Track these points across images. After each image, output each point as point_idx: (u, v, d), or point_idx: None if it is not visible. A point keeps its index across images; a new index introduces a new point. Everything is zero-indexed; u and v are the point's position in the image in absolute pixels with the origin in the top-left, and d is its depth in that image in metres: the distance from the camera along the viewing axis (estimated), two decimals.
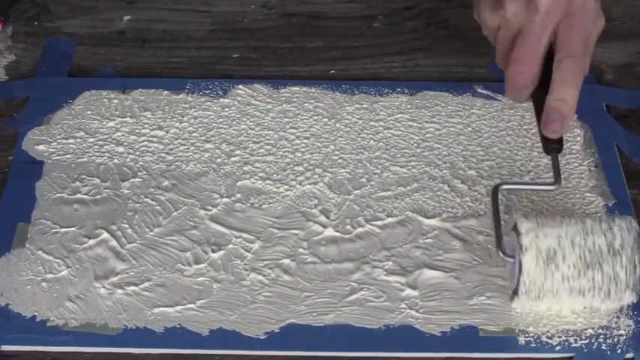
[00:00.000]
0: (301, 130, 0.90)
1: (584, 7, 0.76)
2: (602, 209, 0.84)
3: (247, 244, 0.80)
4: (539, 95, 0.78)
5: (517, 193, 0.84)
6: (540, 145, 0.89)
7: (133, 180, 0.85)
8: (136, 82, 0.94)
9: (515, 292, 0.74)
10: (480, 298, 0.77)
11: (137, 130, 0.89)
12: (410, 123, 0.91)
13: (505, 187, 0.81)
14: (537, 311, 0.76)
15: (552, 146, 0.79)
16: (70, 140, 0.88)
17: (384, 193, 0.85)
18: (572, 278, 0.73)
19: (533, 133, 0.90)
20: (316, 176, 0.86)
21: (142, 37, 1.00)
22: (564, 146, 0.89)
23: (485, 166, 0.87)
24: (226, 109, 0.92)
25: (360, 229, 0.82)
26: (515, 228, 0.74)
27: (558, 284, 0.73)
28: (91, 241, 0.80)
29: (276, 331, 0.75)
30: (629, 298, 0.74)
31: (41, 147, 0.87)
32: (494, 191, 0.79)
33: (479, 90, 0.94)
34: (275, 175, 0.86)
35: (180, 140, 0.89)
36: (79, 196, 0.84)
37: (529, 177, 0.86)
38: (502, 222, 0.78)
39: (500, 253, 0.75)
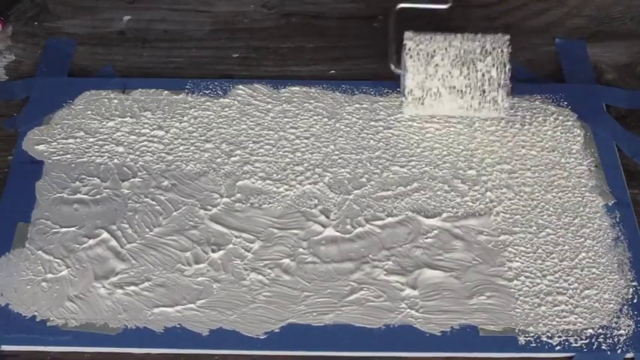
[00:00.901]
0: (301, 130, 0.90)
1: None
2: (602, 209, 0.84)
3: (247, 243, 0.80)
4: None
5: (414, 12, 0.93)
6: (541, 143, 0.89)
7: (133, 180, 0.85)
8: (136, 82, 0.94)
9: (404, 96, 0.84)
10: (480, 298, 0.77)
11: (137, 130, 0.89)
12: (410, 123, 0.91)
13: (401, 5, 0.92)
14: (538, 311, 0.76)
15: None
16: (70, 140, 0.88)
17: (384, 193, 0.85)
18: (450, 77, 0.82)
19: (533, 132, 0.90)
20: (316, 176, 0.86)
21: (142, 37, 1.00)
22: (564, 146, 0.89)
23: (485, 165, 0.87)
24: (226, 109, 0.92)
25: (360, 229, 0.82)
26: (403, 43, 0.84)
27: (439, 83, 0.82)
28: (91, 241, 0.80)
29: (276, 331, 0.75)
30: (501, 96, 0.82)
31: (41, 147, 0.87)
32: (393, 14, 0.89)
33: None
34: (275, 175, 0.86)
35: (180, 140, 0.89)
36: (79, 196, 0.84)
37: (529, 174, 0.86)
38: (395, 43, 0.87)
39: (392, 66, 0.86)
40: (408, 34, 0.85)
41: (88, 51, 0.98)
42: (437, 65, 0.82)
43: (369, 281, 0.78)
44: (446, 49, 0.83)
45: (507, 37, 0.85)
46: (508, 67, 0.82)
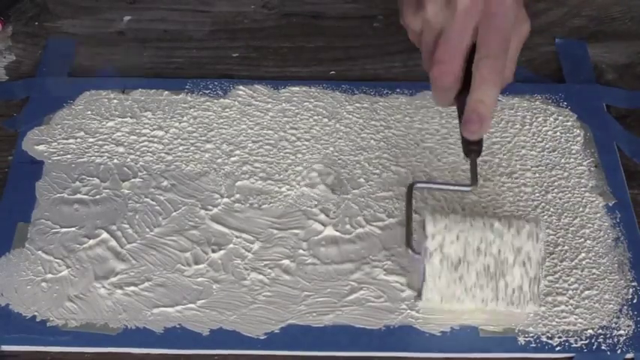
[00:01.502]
0: (301, 130, 0.90)
1: (501, 6, 0.75)
2: (602, 209, 0.84)
3: (247, 244, 0.80)
4: (462, 98, 0.77)
5: (434, 192, 0.83)
6: (541, 144, 0.89)
7: (133, 180, 0.85)
8: (136, 82, 0.94)
9: (419, 295, 0.75)
10: None
11: (137, 130, 0.89)
12: (410, 123, 0.91)
13: (420, 185, 0.81)
14: (537, 311, 0.76)
15: (471, 148, 0.77)
16: (70, 140, 0.88)
17: (384, 194, 0.85)
18: (475, 287, 0.74)
19: (533, 132, 0.90)
20: (316, 176, 0.86)
21: (141, 37, 1.00)
22: (564, 146, 0.89)
23: (485, 165, 0.87)
24: (226, 109, 0.92)
25: (360, 230, 0.82)
26: (423, 227, 0.74)
27: (461, 293, 0.74)
28: (91, 241, 0.80)
29: (276, 331, 0.75)
30: (531, 308, 0.74)
31: (41, 147, 0.87)
32: (409, 189, 0.79)
33: None
34: (275, 175, 0.86)
35: (180, 140, 0.89)
36: (79, 196, 0.84)
37: (529, 174, 0.86)
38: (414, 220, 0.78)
39: (410, 251, 0.76)
40: (429, 228, 0.74)
41: (88, 51, 0.98)
42: (461, 276, 0.73)
43: (369, 281, 0.78)
44: (472, 255, 0.73)
45: (543, 234, 0.74)
46: (542, 281, 0.74)
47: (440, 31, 0.76)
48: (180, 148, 0.88)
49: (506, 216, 0.79)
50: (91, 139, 0.88)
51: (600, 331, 0.76)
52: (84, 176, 0.85)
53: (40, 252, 0.79)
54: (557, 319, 0.76)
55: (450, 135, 0.90)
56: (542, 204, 0.84)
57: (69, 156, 0.87)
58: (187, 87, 0.93)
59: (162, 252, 0.80)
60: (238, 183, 0.85)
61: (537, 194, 0.85)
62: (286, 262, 0.79)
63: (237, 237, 0.81)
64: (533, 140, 0.90)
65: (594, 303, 0.77)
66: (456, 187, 0.82)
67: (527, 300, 0.74)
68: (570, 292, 0.78)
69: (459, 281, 0.73)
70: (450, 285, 0.74)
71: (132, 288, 0.77)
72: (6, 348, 0.74)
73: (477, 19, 0.75)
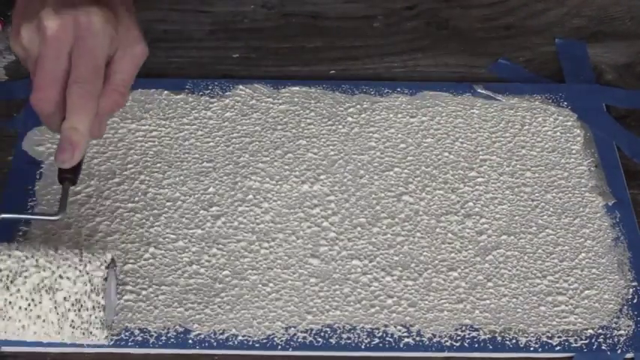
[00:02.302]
0: (301, 130, 0.90)
1: (90, 29, 0.74)
2: (602, 209, 0.84)
3: (248, 244, 0.80)
4: None
5: (22, 222, 0.80)
6: (541, 144, 0.89)
7: (133, 180, 0.85)
8: (136, 82, 0.93)
9: None
10: (481, 298, 0.77)
11: (137, 130, 0.89)
12: (410, 123, 0.91)
13: (5, 216, 0.76)
14: (538, 311, 0.76)
15: (64, 176, 0.75)
16: None
17: (384, 194, 0.85)
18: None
19: (533, 132, 0.90)
20: (316, 176, 0.86)
21: None
22: (564, 146, 0.89)
23: (485, 166, 0.87)
24: (226, 109, 0.92)
25: (360, 230, 0.82)
26: None
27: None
28: (91, 241, 0.80)
29: (277, 331, 0.75)
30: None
31: (41, 147, 0.87)
32: None
33: (479, 90, 0.94)
34: (276, 175, 0.86)
35: (180, 140, 0.89)
36: (79, 196, 0.84)
37: (529, 174, 0.86)
38: None
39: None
40: None
41: None
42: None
43: (370, 281, 0.78)
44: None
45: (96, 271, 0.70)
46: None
47: (37, 57, 0.74)
48: (181, 148, 0.88)
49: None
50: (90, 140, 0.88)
51: (600, 331, 0.76)
52: (84, 176, 0.85)
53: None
54: (557, 319, 0.76)
55: (450, 135, 0.90)
56: (542, 204, 0.84)
57: None
58: (187, 87, 0.93)
59: (163, 251, 0.80)
60: (239, 183, 0.85)
61: (537, 194, 0.85)
62: (286, 261, 0.79)
63: (237, 237, 0.81)
64: (533, 140, 0.90)
65: (594, 303, 0.77)
66: (43, 217, 0.79)
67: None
68: (570, 291, 0.78)
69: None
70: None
71: (132, 288, 0.77)
72: (6, 348, 0.74)
73: (70, 44, 0.74)
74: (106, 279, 0.70)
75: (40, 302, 0.69)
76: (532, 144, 0.89)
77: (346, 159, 0.87)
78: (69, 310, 0.69)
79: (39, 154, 0.87)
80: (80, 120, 0.73)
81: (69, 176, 0.76)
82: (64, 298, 0.69)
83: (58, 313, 0.69)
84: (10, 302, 0.69)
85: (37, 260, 0.70)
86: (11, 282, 0.69)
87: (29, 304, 0.69)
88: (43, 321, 0.70)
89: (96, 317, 0.70)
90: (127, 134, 0.89)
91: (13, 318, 0.69)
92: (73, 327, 0.70)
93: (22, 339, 0.71)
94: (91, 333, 0.70)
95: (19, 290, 0.69)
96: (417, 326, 0.75)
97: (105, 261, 0.71)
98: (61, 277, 0.69)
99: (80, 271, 0.70)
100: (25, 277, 0.69)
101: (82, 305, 0.70)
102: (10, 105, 0.93)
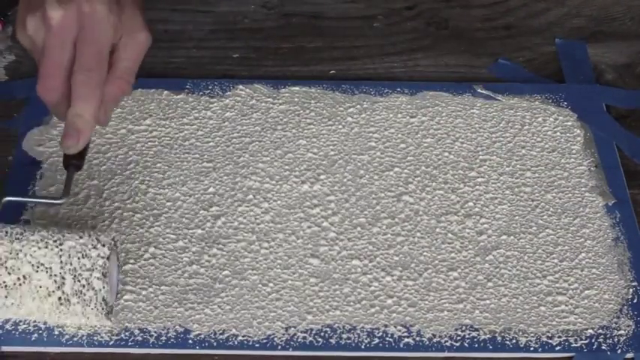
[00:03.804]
0: (301, 130, 0.90)
1: (93, 18, 0.75)
2: (602, 209, 0.84)
3: (248, 244, 0.80)
4: None
5: (26, 205, 0.81)
6: (541, 144, 0.89)
7: (133, 180, 0.85)
8: (136, 82, 0.93)
9: None
10: (481, 298, 0.77)
11: (137, 131, 0.89)
12: (410, 123, 0.91)
13: (8, 198, 0.77)
14: (538, 311, 0.76)
15: (71, 162, 0.77)
16: None
17: (384, 194, 0.85)
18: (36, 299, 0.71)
19: (533, 132, 0.90)
20: (316, 176, 0.86)
21: None
22: (564, 146, 0.89)
23: (485, 166, 0.87)
24: (226, 109, 0.92)
25: (360, 230, 0.82)
26: None
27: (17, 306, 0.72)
28: None
29: (277, 331, 0.75)
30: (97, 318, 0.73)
31: (41, 147, 0.87)
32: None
33: (479, 90, 0.94)
34: (276, 175, 0.86)
35: (180, 140, 0.89)
36: (79, 196, 0.84)
37: (529, 174, 0.86)
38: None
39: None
40: None
41: None
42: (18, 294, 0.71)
43: (370, 281, 0.78)
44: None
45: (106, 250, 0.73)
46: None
47: (43, 47, 0.76)
48: (181, 148, 0.88)
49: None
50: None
51: (600, 330, 0.76)
52: (84, 177, 0.85)
53: None
54: (557, 319, 0.76)
55: (450, 135, 0.90)
56: (542, 204, 0.84)
57: None
58: (187, 87, 0.93)
59: (163, 251, 0.80)
60: (239, 183, 0.85)
61: (537, 194, 0.85)
62: (286, 261, 0.79)
63: (237, 237, 0.81)
64: (533, 140, 0.90)
65: (594, 303, 0.77)
66: (47, 200, 0.80)
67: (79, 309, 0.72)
68: (570, 291, 0.78)
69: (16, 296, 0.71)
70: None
71: (132, 288, 0.77)
72: (6, 348, 0.74)
73: (74, 33, 0.75)
74: (109, 258, 0.72)
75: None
76: (532, 144, 0.89)
77: (346, 159, 0.87)
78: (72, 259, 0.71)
79: (39, 154, 0.87)
80: (85, 107, 0.74)
81: (74, 162, 0.78)
82: (70, 247, 0.71)
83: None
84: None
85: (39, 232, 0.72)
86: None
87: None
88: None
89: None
90: (127, 134, 0.89)
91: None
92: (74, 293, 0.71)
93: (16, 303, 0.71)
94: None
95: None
96: (417, 326, 0.75)
97: (108, 241, 0.73)
98: (64, 236, 0.72)
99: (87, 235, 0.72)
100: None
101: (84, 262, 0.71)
102: (10, 105, 0.93)
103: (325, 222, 0.82)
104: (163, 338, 0.74)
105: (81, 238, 0.72)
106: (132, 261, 0.79)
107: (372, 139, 0.89)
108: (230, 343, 0.74)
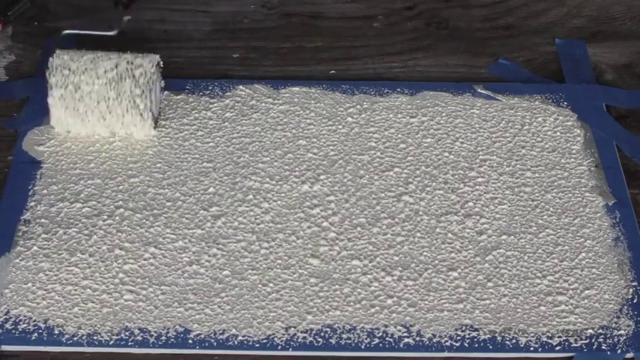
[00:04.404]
0: (301, 130, 0.90)
1: None
2: (602, 209, 0.84)
3: (248, 244, 0.81)
4: None
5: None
6: (541, 144, 0.89)
7: (133, 180, 0.85)
8: None
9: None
10: (481, 298, 0.77)
11: (137, 131, 0.89)
12: (410, 123, 0.91)
13: (67, 31, 0.91)
14: (538, 311, 0.76)
15: (119, 0, 0.90)
16: (70, 141, 0.88)
17: (384, 194, 0.85)
18: (96, 109, 0.86)
19: (533, 132, 0.90)
20: (316, 176, 0.86)
21: (142, 37, 1.00)
22: (564, 146, 0.89)
23: (485, 166, 0.87)
24: (226, 110, 0.92)
25: (360, 230, 0.82)
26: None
27: (84, 115, 0.86)
28: (91, 241, 0.80)
29: (277, 331, 0.75)
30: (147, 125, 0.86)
31: (41, 147, 0.87)
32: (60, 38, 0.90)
33: (479, 90, 0.94)
34: (276, 175, 0.86)
35: (180, 140, 0.89)
36: (79, 196, 0.84)
37: (529, 174, 0.86)
38: None
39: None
40: (54, 61, 0.87)
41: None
42: (83, 99, 0.86)
43: (370, 281, 0.78)
44: (89, 79, 0.87)
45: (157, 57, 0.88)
46: (153, 94, 0.88)
47: None
48: (181, 148, 0.88)
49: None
50: (91, 139, 0.88)
51: (600, 330, 0.76)
52: (84, 177, 0.85)
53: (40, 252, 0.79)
54: (557, 319, 0.76)
55: (450, 135, 0.90)
56: (542, 204, 0.84)
57: (69, 156, 0.87)
58: (187, 87, 0.93)
59: (163, 252, 0.80)
60: (239, 183, 0.85)
61: (537, 194, 0.85)
62: (286, 262, 0.79)
63: (237, 237, 0.81)
64: (533, 140, 0.90)
65: (594, 303, 0.77)
66: (101, 33, 0.94)
67: (139, 111, 0.86)
68: (570, 291, 0.78)
69: (81, 104, 0.86)
70: (75, 110, 0.86)
71: (132, 288, 0.77)
72: (6, 348, 0.74)
73: None
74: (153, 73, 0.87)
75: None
76: (532, 144, 0.89)
77: (346, 159, 0.87)
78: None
79: (39, 154, 0.87)
80: None
81: (124, 0, 0.91)
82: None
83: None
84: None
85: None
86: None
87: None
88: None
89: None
90: (127, 134, 0.89)
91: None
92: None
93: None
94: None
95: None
96: (417, 326, 0.76)
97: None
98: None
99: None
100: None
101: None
102: (10, 105, 0.93)
103: (325, 222, 0.82)
104: (163, 338, 0.74)
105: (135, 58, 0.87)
106: (132, 261, 0.79)
107: (372, 140, 0.89)
108: (230, 343, 0.74)
